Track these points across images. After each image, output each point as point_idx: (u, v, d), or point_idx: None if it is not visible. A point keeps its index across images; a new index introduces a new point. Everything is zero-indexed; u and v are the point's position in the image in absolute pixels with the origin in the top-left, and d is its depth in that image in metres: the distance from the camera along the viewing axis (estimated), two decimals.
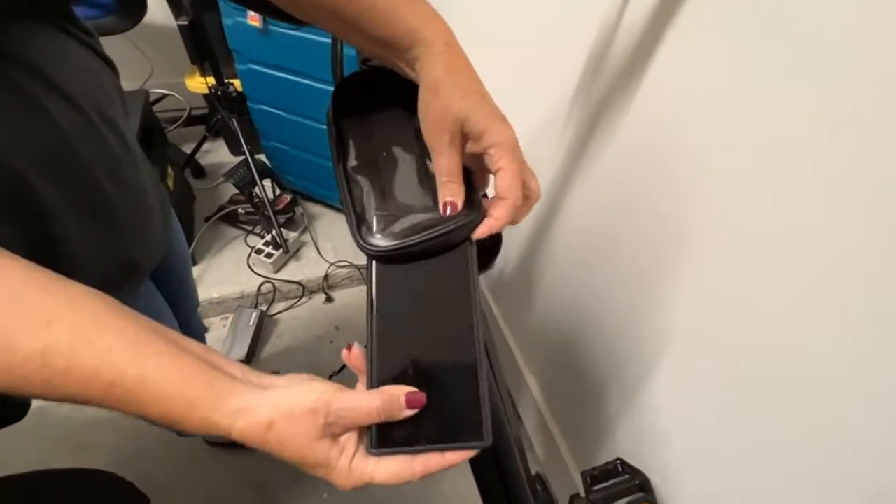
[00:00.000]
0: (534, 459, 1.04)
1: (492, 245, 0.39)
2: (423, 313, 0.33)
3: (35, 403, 1.12)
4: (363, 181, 0.37)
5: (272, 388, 0.29)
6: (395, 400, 0.29)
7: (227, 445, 1.08)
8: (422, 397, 0.29)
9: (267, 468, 1.07)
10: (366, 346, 0.32)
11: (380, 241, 0.33)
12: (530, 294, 0.96)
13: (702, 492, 0.58)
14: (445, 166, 0.33)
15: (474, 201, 0.34)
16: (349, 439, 0.29)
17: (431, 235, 0.32)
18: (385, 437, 0.29)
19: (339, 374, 1.20)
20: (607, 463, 0.66)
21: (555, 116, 0.71)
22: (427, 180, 0.36)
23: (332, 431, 0.28)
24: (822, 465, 0.42)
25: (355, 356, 0.31)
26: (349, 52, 0.52)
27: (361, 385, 0.31)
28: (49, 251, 0.42)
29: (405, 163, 0.37)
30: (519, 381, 1.07)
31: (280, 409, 0.27)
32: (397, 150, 0.38)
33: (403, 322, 0.33)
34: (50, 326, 0.25)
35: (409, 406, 0.29)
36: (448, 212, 0.33)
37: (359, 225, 0.34)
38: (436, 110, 0.32)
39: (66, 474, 0.64)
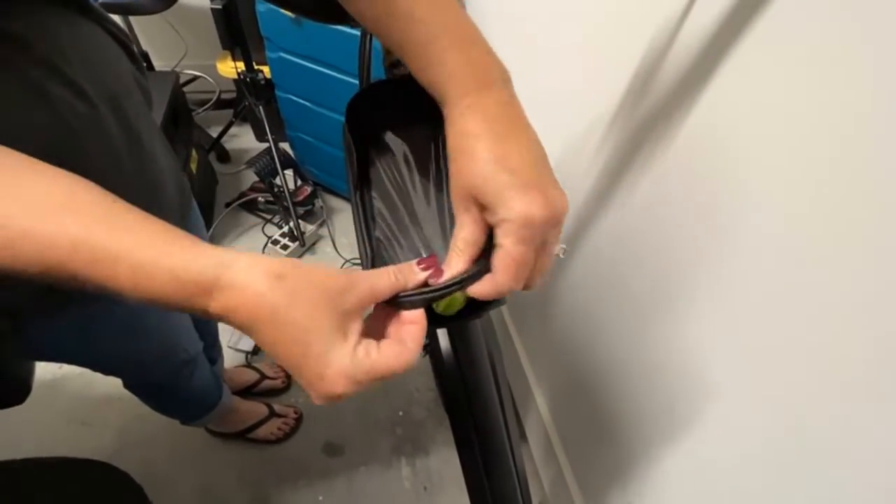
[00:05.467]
0: (537, 486, 1.01)
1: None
2: None
3: (47, 377, 1.15)
4: (382, 215, 0.34)
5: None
6: (409, 266, 0.29)
7: (228, 436, 1.07)
8: (433, 259, 0.30)
9: (264, 464, 1.07)
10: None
11: None
12: (547, 302, 0.91)
13: None
14: (458, 235, 0.30)
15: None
16: (356, 327, 0.26)
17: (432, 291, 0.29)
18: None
19: None
20: None
21: (591, 132, 0.66)
22: (449, 224, 0.33)
23: (346, 309, 0.26)
24: None
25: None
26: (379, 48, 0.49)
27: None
28: None
29: (427, 201, 0.35)
30: (526, 395, 1.03)
31: (294, 264, 0.25)
32: (421, 184, 0.35)
33: None
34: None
35: (424, 267, 0.29)
36: (431, 280, 0.30)
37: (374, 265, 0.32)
38: (453, 176, 0.29)
39: (61, 463, 0.63)
